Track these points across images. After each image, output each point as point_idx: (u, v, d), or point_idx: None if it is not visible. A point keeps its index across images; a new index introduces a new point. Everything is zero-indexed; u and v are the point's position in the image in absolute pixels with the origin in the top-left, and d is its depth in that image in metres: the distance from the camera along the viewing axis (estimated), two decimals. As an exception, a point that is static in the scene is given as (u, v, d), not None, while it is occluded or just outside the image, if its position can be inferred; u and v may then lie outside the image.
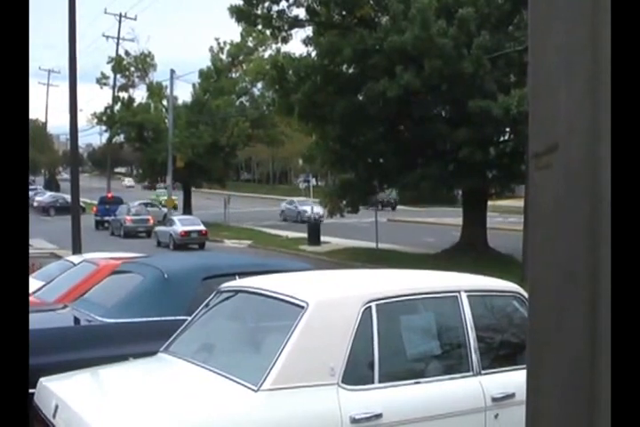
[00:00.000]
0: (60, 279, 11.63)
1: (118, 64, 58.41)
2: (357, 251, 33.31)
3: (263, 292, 5.53)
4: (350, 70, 28.66)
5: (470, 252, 27.46)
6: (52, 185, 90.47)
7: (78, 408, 4.71)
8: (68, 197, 43.39)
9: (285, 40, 29.40)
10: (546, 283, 1.35)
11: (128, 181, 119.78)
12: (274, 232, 45.49)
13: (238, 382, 4.78)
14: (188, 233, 38.62)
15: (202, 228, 39.62)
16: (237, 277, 7.10)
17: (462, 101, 24.83)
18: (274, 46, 43.12)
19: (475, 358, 5.41)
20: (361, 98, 27.57)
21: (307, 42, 28.39)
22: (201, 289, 7.21)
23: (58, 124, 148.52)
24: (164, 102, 55.92)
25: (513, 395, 5.39)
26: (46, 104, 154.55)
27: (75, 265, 12.32)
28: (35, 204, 68.99)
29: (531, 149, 1.34)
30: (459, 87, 25.01)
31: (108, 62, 59.19)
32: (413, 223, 50.09)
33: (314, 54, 28.36)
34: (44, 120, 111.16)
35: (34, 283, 12.50)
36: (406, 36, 24.09)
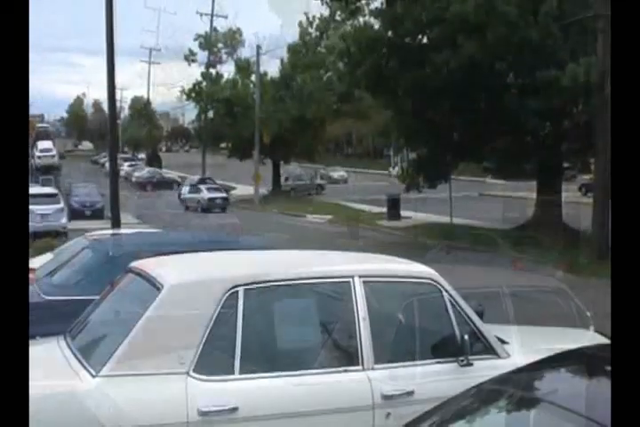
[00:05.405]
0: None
1: (207, 41, 58.69)
2: (432, 227, 32.66)
3: (140, 271, 5.35)
4: (415, 41, 27.94)
5: (544, 228, 26.46)
6: (153, 161, 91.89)
7: None
8: (165, 173, 44.38)
9: (353, 13, 29.03)
10: None
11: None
12: (359, 207, 45.07)
13: (84, 366, 4.65)
14: (212, 199, 46.85)
15: (224, 195, 48.57)
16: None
17: (531, 71, 23.92)
18: (361, 19, 42.58)
19: (365, 351, 4.95)
20: (428, 70, 26.86)
21: (375, 13, 27.83)
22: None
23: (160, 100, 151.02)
24: (252, 78, 55.96)
25: (412, 392, 4.96)
26: (148, 81, 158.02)
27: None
28: (133, 179, 70.38)
29: None
30: (526, 56, 24.06)
31: (195, 39, 59.58)
32: (504, 198, 48.90)
33: (378, 26, 27.83)
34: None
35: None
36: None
